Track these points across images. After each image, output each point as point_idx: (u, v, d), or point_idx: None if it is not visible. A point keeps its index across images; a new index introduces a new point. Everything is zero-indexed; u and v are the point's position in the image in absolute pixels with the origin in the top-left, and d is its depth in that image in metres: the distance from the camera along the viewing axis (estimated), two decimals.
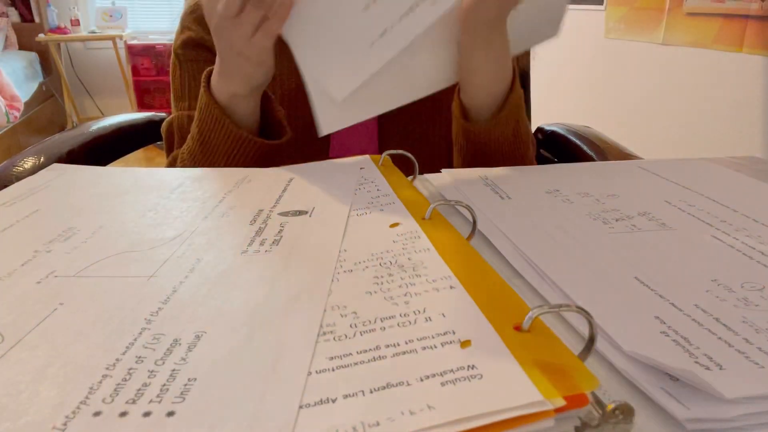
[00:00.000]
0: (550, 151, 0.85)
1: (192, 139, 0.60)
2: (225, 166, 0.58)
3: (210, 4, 0.51)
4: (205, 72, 0.58)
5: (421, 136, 0.72)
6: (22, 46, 3.59)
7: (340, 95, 0.50)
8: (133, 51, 3.57)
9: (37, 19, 3.70)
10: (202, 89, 0.57)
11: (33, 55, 3.60)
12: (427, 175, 0.54)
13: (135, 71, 3.58)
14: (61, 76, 3.67)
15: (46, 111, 3.59)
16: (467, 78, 0.55)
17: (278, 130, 0.60)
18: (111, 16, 3.73)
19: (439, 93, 0.55)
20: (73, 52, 3.86)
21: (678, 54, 2.05)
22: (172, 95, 0.70)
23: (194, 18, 0.68)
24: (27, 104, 3.17)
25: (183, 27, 0.69)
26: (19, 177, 0.53)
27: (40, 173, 0.50)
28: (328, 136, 0.68)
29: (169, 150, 0.69)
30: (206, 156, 0.58)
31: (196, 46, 0.67)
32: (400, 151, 0.51)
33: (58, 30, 3.56)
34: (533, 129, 0.89)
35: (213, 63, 0.59)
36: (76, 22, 3.65)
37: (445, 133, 0.72)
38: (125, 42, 3.57)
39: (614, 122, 2.34)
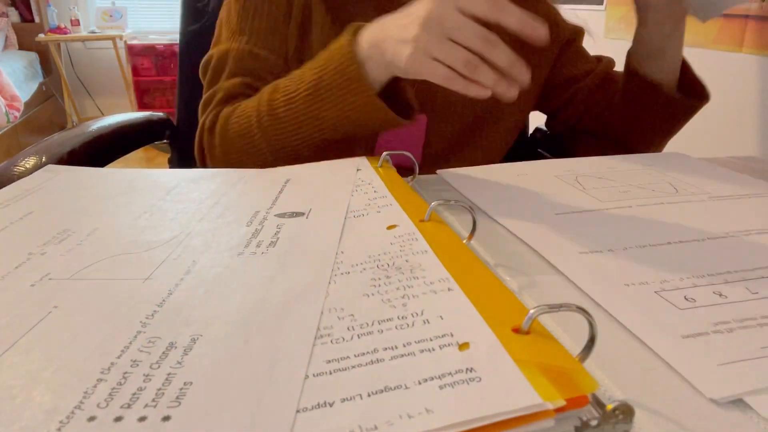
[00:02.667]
0: (549, 150, 0.85)
1: (283, 97, 0.54)
2: (301, 144, 0.54)
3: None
4: (353, 25, 0.53)
5: (469, 143, 0.70)
6: (22, 46, 3.59)
7: None
8: (133, 51, 3.56)
9: (37, 19, 3.69)
10: (345, 42, 0.51)
11: (33, 55, 3.59)
12: (425, 176, 0.54)
13: (135, 71, 3.58)
14: (61, 76, 3.66)
15: (46, 111, 3.58)
16: (672, 55, 0.66)
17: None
18: (111, 16, 3.72)
19: (494, 102, 0.52)
20: (73, 52, 3.85)
21: None
22: (223, 28, 0.64)
23: None
24: (27, 104, 3.16)
25: None
26: (21, 176, 0.52)
27: (34, 174, 0.50)
28: (374, 137, 0.65)
29: (211, 84, 0.63)
30: (294, 124, 0.54)
31: None
32: (401, 152, 0.51)
33: (58, 30, 3.55)
34: (532, 129, 0.88)
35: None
36: (76, 22, 3.65)
37: (497, 141, 0.72)
38: (125, 42, 3.57)
39: None
